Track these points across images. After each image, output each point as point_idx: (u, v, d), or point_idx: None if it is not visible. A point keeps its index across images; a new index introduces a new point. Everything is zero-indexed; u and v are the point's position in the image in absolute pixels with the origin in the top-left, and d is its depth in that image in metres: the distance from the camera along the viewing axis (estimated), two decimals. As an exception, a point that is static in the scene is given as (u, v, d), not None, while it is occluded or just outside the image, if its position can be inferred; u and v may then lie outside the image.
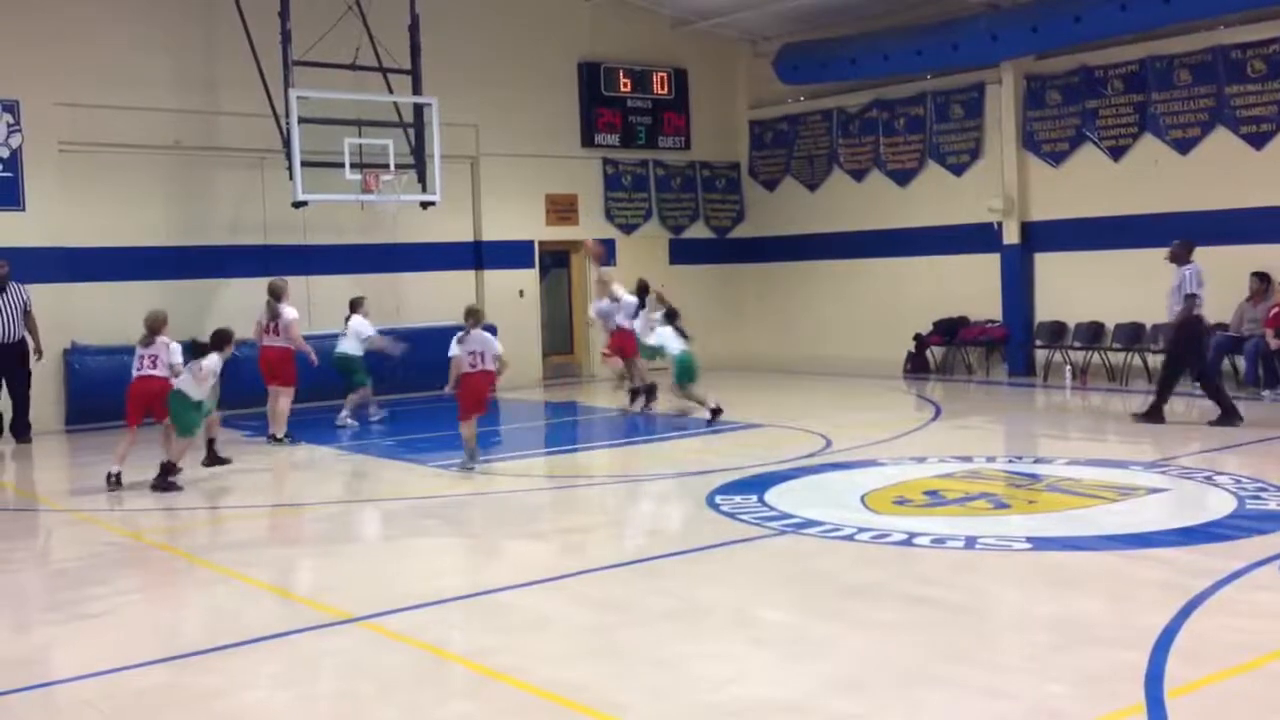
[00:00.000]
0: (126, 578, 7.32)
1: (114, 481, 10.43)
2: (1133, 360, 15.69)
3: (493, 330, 11.34)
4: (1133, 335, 15.75)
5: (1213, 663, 5.09)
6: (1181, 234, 15.11)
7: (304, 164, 14.41)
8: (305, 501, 10.20)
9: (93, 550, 8.14)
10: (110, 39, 15.14)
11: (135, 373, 10.68)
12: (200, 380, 10.43)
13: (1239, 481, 8.92)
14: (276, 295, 12.71)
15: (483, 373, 10.60)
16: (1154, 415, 12.02)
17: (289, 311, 12.66)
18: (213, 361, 10.51)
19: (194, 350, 10.60)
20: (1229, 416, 11.73)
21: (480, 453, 11.02)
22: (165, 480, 10.28)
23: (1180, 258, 12.10)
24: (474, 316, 10.76)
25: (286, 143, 14.54)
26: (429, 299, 17.07)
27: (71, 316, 14.81)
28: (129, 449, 10.62)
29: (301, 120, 14.36)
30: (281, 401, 12.56)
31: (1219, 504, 8.22)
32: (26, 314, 13.73)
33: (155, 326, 10.63)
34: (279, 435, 12.57)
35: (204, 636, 6.05)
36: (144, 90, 15.28)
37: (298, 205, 14.89)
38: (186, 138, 15.73)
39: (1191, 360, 12.12)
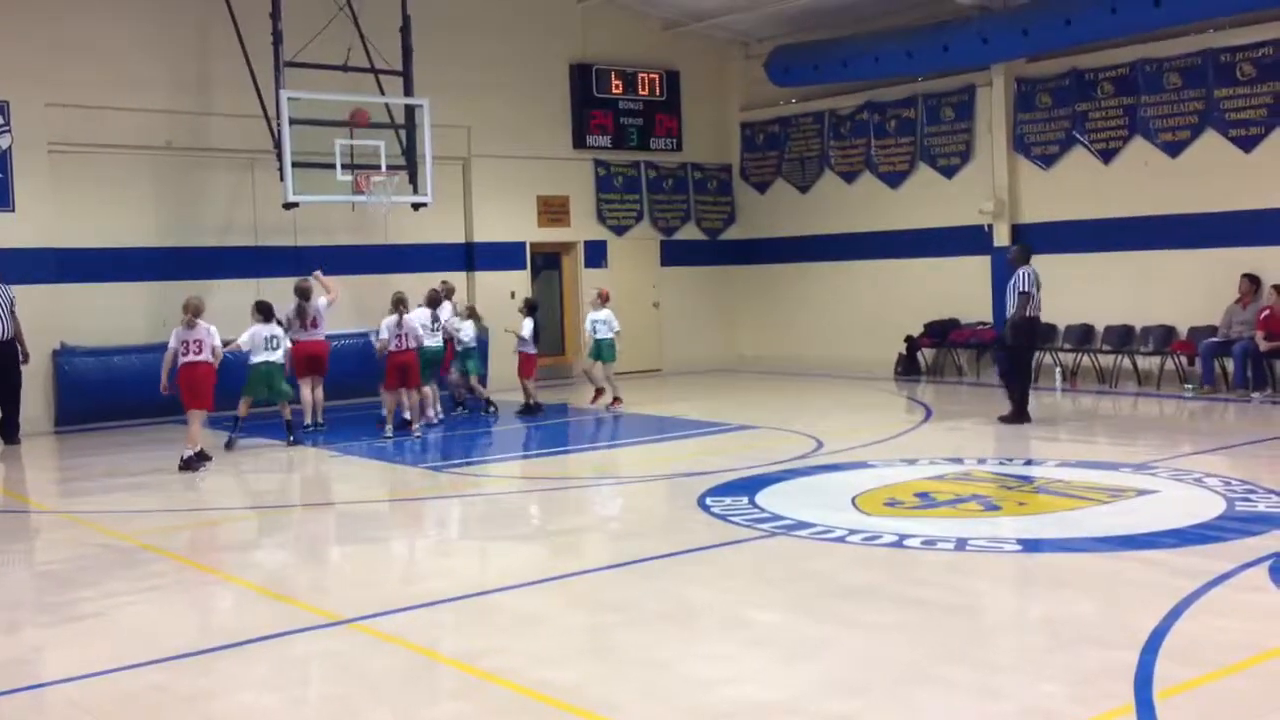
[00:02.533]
0: (116, 580, 7.29)
1: (191, 462, 11.12)
2: (1122, 362, 15.73)
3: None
4: (1123, 337, 15.80)
5: (1202, 663, 5.11)
6: (1172, 236, 15.30)
7: (295, 165, 14.38)
8: (294, 503, 10.18)
9: (83, 552, 8.12)
10: (100, 39, 15.10)
11: (180, 359, 11.25)
12: (275, 347, 12.32)
13: (1228, 483, 8.96)
14: (305, 295, 13.42)
15: (406, 350, 12.87)
16: (1020, 415, 12.52)
17: (323, 301, 13.58)
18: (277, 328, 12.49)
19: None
20: (1020, 416, 12.51)
21: (393, 428, 12.92)
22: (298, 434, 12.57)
23: (1018, 261, 12.73)
24: (404, 304, 13.08)
25: (278, 144, 14.50)
26: (420, 301, 17.03)
27: (61, 318, 14.76)
28: (200, 430, 11.37)
29: (293, 121, 14.32)
30: (319, 392, 13.58)
31: (1209, 506, 8.25)
32: (11, 315, 13.68)
33: (198, 310, 11.31)
34: (320, 421, 13.53)
35: (194, 638, 6.04)
36: (134, 91, 15.24)
37: (289, 207, 14.86)
38: (177, 139, 15.70)
39: (1017, 353, 12.72)
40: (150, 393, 14.29)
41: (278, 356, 12.48)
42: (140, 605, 6.75)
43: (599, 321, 14.96)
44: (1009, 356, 12.90)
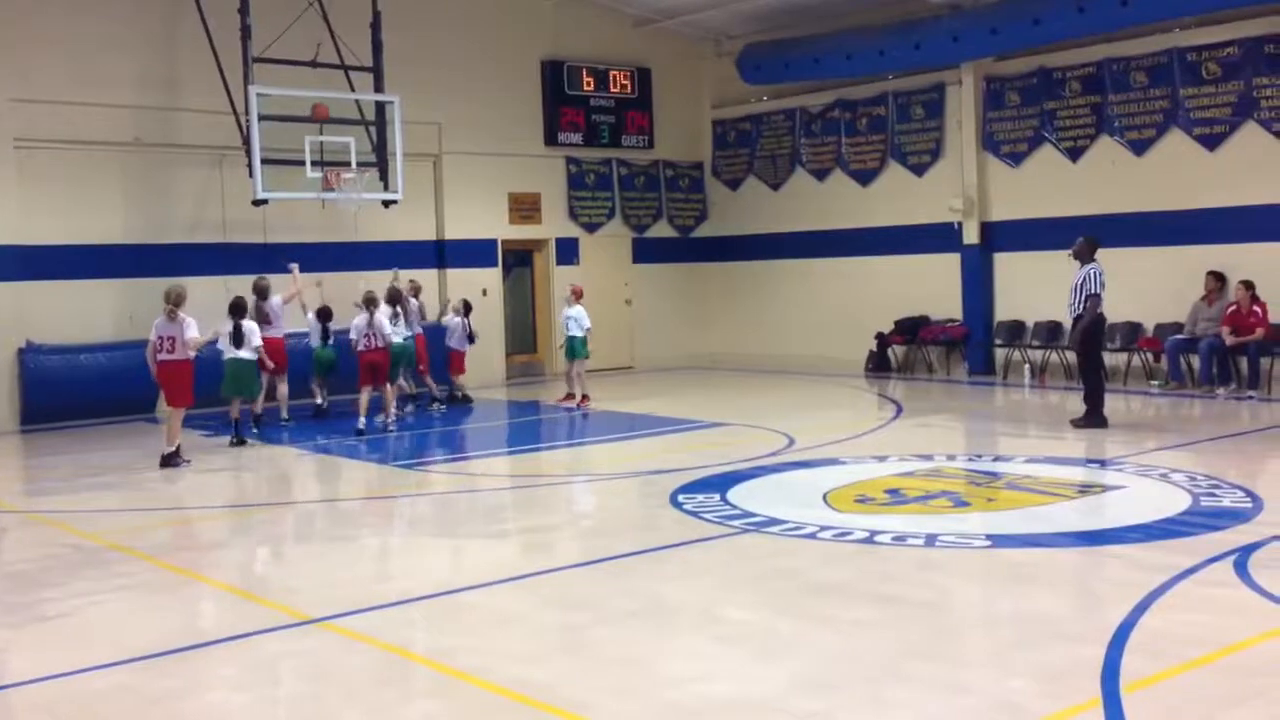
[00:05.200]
0: (83, 580, 7.23)
1: (171, 459, 11.17)
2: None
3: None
4: (1090, 334, 15.91)
5: (1168, 657, 5.16)
6: (1138, 234, 15.43)
7: (264, 161, 14.30)
8: (265, 501, 10.12)
9: (49, 552, 8.04)
10: (67, 34, 14.93)
11: (158, 356, 11.19)
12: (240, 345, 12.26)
13: (1193, 479, 9.05)
14: (263, 294, 13.70)
15: (375, 349, 12.89)
16: (1094, 419, 11.76)
17: (278, 299, 13.81)
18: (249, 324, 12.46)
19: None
20: (1093, 419, 11.72)
21: (370, 424, 12.97)
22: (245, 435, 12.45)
23: (1084, 256, 11.91)
24: (374, 303, 13.10)
25: (246, 140, 14.40)
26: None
27: (27, 315, 14.61)
28: (178, 428, 11.36)
29: (262, 117, 14.22)
30: (283, 388, 13.85)
31: (1174, 501, 8.33)
32: None
33: (179, 300, 11.22)
34: (286, 417, 13.90)
35: (162, 638, 5.99)
36: (102, 87, 15.09)
37: (258, 203, 14.76)
38: (145, 135, 15.56)
39: (1089, 356, 12.00)
40: (117, 390, 14.33)
41: (245, 353, 12.30)
42: (108, 605, 6.70)
43: (570, 318, 15.02)
44: (1082, 360, 12.14)
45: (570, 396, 15.07)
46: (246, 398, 12.63)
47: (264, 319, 13.34)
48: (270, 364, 12.68)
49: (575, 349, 14.93)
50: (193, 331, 11.14)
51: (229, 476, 11.04)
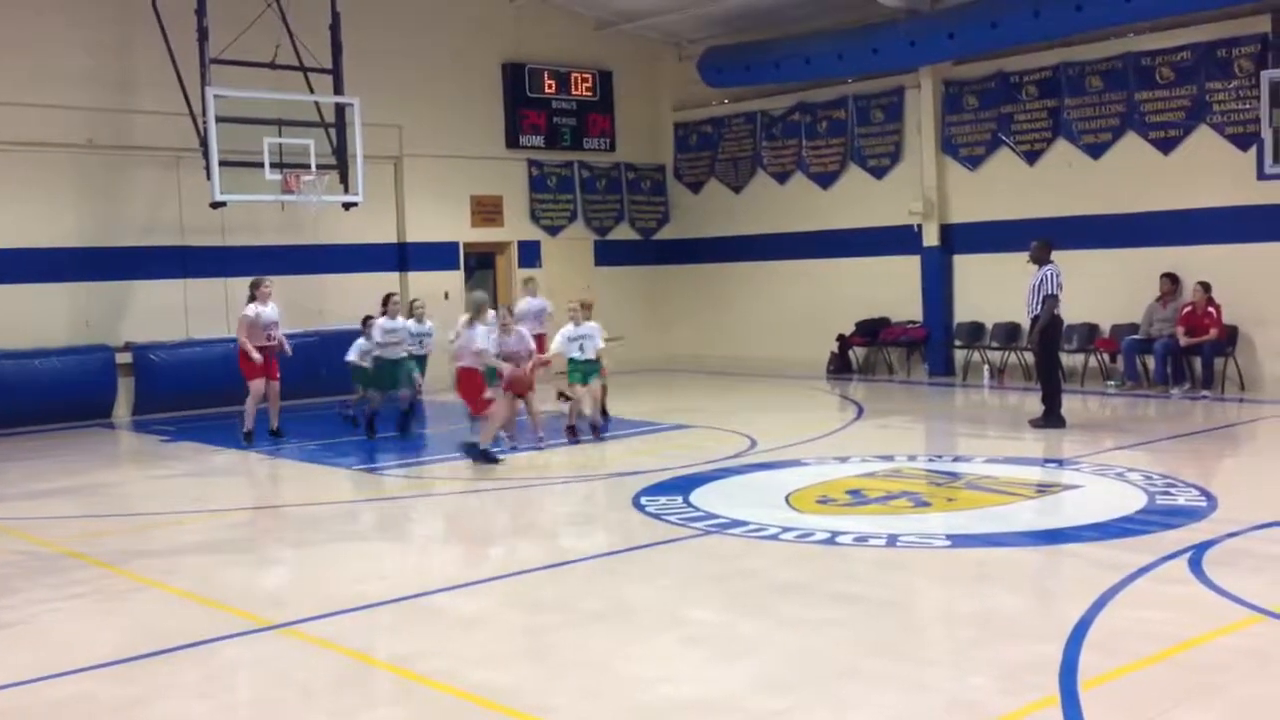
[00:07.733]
0: (39, 587, 7.13)
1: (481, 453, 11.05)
2: (1048, 360, 16.02)
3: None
4: (1048, 335, 16.08)
5: (1124, 654, 5.23)
6: (1094, 236, 15.62)
7: (222, 164, 14.11)
8: (226, 506, 10.02)
9: (3, 559, 7.92)
10: (18, 34, 14.73)
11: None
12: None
13: (1149, 478, 9.18)
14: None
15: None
16: (1052, 420, 11.82)
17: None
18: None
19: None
20: (1051, 419, 11.78)
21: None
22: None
23: (1040, 258, 11.97)
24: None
25: (204, 142, 14.25)
26: (353, 301, 16.81)
27: (-20, 319, 14.41)
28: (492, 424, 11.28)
29: (219, 119, 14.06)
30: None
31: (1130, 500, 8.44)
32: None
33: (478, 310, 11.33)
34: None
35: (121, 646, 5.92)
36: (56, 88, 14.89)
37: (216, 206, 14.59)
38: (100, 137, 15.37)
39: (1047, 356, 12.05)
40: (72, 395, 14.15)
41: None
42: (65, 612, 6.62)
43: (585, 339, 12.49)
44: (1040, 360, 12.16)
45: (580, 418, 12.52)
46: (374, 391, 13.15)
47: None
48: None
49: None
50: (478, 343, 11.12)
51: (189, 482, 10.92)
